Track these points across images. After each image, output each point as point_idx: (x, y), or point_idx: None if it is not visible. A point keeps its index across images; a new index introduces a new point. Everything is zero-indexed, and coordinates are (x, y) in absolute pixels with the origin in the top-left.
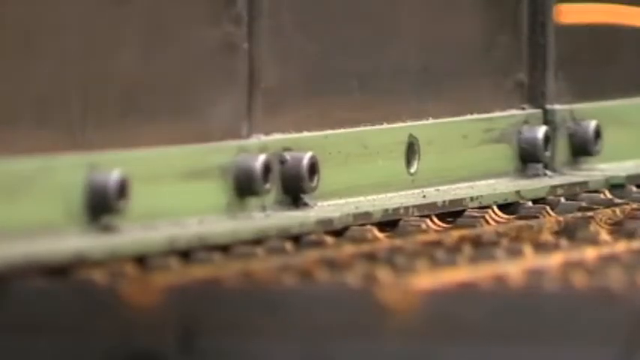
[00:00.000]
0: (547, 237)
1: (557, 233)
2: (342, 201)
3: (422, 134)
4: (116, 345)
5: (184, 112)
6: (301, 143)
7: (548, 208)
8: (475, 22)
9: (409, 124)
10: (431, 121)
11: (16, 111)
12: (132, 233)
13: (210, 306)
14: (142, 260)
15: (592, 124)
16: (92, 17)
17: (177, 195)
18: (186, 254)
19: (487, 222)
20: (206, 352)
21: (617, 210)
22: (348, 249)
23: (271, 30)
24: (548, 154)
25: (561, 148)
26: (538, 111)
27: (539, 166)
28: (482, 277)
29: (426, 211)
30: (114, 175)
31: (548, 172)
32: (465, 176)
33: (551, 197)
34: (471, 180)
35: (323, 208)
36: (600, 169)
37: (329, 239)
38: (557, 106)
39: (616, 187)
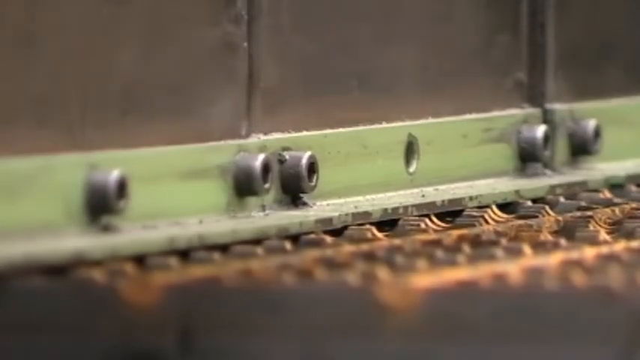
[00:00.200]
0: (546, 236)
1: (557, 233)
2: (341, 200)
3: (421, 134)
4: (116, 344)
5: (184, 112)
6: (300, 143)
7: (547, 207)
8: (474, 21)
9: (408, 123)
10: (430, 120)
11: (15, 111)
12: (131, 233)
13: (210, 305)
14: (141, 260)
15: (591, 124)
16: (92, 17)
17: (176, 195)
18: (185, 254)
19: (486, 221)
20: (206, 351)
21: (617, 209)
22: (348, 248)
23: (271, 30)
24: (547, 153)
25: (561, 148)
26: (537, 110)
27: (539, 165)
28: (482, 277)
29: (425, 210)
30: (113, 175)
31: (548, 172)
32: (464, 176)
33: (550, 197)
34: (471, 179)
35: (322, 207)
36: (600, 168)
37: (328, 239)
38: (556, 106)
39: (615, 186)
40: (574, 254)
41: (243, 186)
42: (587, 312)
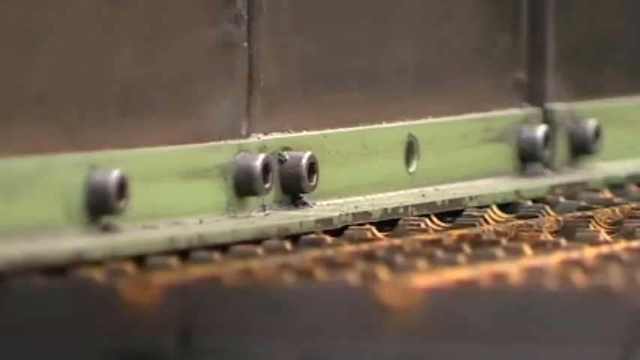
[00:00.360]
0: (547, 236)
1: (557, 233)
2: (341, 200)
3: (421, 133)
4: (116, 344)
5: (184, 112)
6: (300, 143)
7: (547, 207)
8: (474, 21)
9: (408, 123)
10: (430, 120)
11: (15, 111)
12: (132, 233)
13: (210, 305)
14: (141, 260)
15: (591, 123)
16: (92, 17)
17: (176, 194)
18: (185, 254)
19: (486, 221)
20: (205, 351)
21: (617, 209)
22: (348, 248)
23: (271, 29)
24: (547, 153)
25: (561, 148)
26: (537, 110)
27: (539, 165)
28: (482, 277)
29: (426, 210)
30: (113, 175)
31: (548, 172)
32: (464, 175)
33: (550, 196)
34: (471, 179)
35: (322, 207)
36: (600, 168)
37: (328, 239)
38: (556, 106)
39: (616, 186)
40: (574, 254)
41: (244, 186)
42: (587, 312)
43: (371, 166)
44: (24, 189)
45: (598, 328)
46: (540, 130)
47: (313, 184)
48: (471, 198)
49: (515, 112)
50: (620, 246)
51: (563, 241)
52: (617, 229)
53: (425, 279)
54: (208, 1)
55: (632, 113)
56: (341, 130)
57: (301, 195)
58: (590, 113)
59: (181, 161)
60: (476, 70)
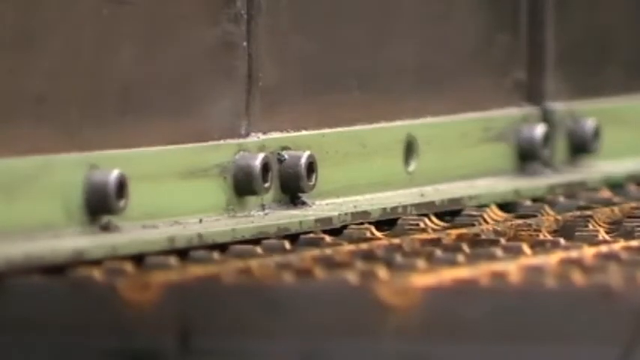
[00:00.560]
0: (546, 236)
1: (556, 232)
2: (340, 200)
3: (420, 133)
4: (115, 344)
5: (183, 111)
6: (299, 142)
7: (547, 206)
8: (474, 20)
9: (407, 122)
10: (429, 119)
11: (15, 110)
12: (131, 232)
13: (209, 305)
14: (141, 259)
15: (591, 123)
16: (91, 16)
17: (176, 194)
18: (185, 253)
19: (486, 221)
20: (205, 350)
21: (616, 209)
22: (347, 248)
23: (270, 29)
24: (546, 152)
25: (560, 147)
26: (537, 109)
27: (538, 164)
28: (481, 276)
29: (425, 210)
30: (113, 175)
31: (547, 171)
32: (463, 175)
33: (549, 196)
34: (470, 179)
35: (321, 206)
36: (599, 167)
37: (327, 238)
38: (556, 105)
39: (615, 185)
40: (573, 254)
41: (243, 185)
42: (587, 311)
43: (370, 166)
44: (24, 189)
45: (597, 327)
46: (539, 130)
47: (312, 183)
48: (470, 197)
49: (514, 111)
50: (620, 245)
51: (562, 241)
52: (617, 228)
53: (424, 278)
54: (208, 0)
55: (632, 112)
56: (340, 129)
57: (300, 194)
58: (590, 113)
59: (181, 161)
60: (475, 69)
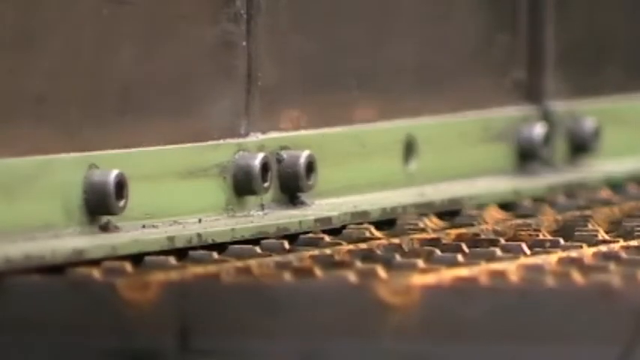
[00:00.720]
0: (545, 235)
1: (556, 232)
2: (339, 200)
3: (420, 133)
4: (114, 343)
5: (183, 111)
6: (299, 142)
7: (546, 206)
8: (473, 20)
9: (407, 122)
10: (429, 119)
11: (14, 110)
12: (131, 232)
13: (209, 304)
14: (140, 259)
15: (591, 122)
16: (91, 16)
17: (175, 194)
18: (184, 253)
19: (485, 220)
20: (204, 350)
21: (616, 208)
22: (346, 247)
23: (270, 28)
24: (546, 152)
25: (560, 146)
26: (537, 109)
27: (538, 164)
28: (481, 275)
29: (424, 209)
30: (113, 175)
31: (547, 171)
32: (463, 174)
33: (549, 195)
34: (469, 178)
35: (321, 206)
36: (599, 167)
37: (327, 238)
38: (555, 104)
39: (615, 185)
40: (573, 253)
41: (243, 185)
42: (586, 311)
43: (369, 166)
44: (23, 189)
45: (597, 327)
46: (539, 129)
47: (311, 183)
48: (469, 197)
49: (514, 111)
50: (619, 245)
51: (562, 241)
52: (616, 228)
53: (423, 278)
54: (207, 0)
55: (632, 112)
56: (340, 129)
57: (300, 194)
58: (590, 112)
59: (180, 160)
60: (475, 69)
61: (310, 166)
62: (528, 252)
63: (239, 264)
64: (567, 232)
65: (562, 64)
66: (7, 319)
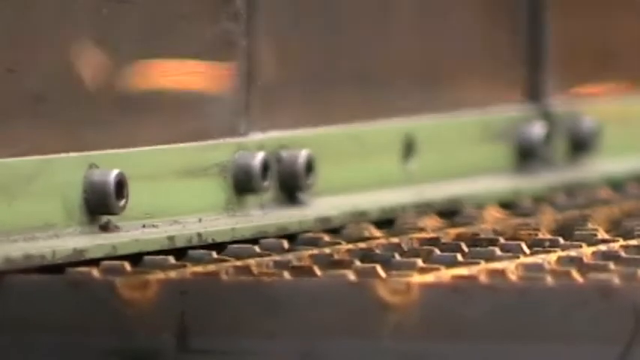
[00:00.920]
0: (545, 235)
1: (556, 231)
2: (339, 199)
3: (419, 132)
4: (114, 343)
5: (182, 110)
6: (298, 141)
7: (546, 205)
8: (473, 18)
9: (407, 121)
10: (428, 118)
11: (13, 110)
12: (131, 232)
13: (208, 304)
14: (140, 258)
15: (591, 121)
16: (90, 15)
17: (175, 193)
18: (184, 252)
19: (485, 220)
20: (204, 350)
21: (616, 208)
22: (346, 246)
23: (269, 27)
24: (546, 151)
25: (560, 145)
26: (537, 108)
27: (538, 163)
28: (480, 275)
29: (424, 208)
30: (112, 174)
31: (547, 170)
32: (462, 174)
33: (549, 195)
34: (469, 177)
35: (320, 205)
36: (599, 166)
37: (326, 237)
38: (556, 103)
39: (615, 184)
40: (573, 252)
41: (242, 184)
42: (586, 310)
43: (369, 165)
44: (23, 189)
45: (597, 326)
46: (539, 128)
47: (311, 182)
48: (469, 196)
49: (514, 110)
50: (619, 244)
51: (561, 240)
52: (616, 227)
53: (423, 277)
54: None
55: (632, 111)
56: (339, 128)
57: (299, 193)
58: (590, 111)
59: (180, 160)
60: (475, 67)
61: (310, 166)
62: (528, 251)
63: (238, 263)
64: (567, 231)
65: (562, 62)
66: (6, 319)
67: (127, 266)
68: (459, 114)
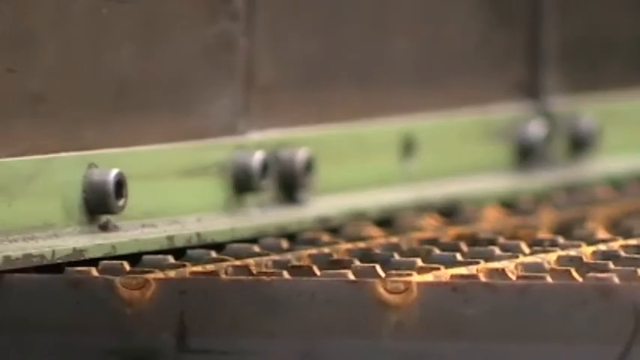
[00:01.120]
0: (545, 234)
1: (555, 230)
2: (338, 198)
3: (419, 131)
4: (113, 343)
5: (182, 110)
6: (297, 140)
7: (545, 204)
8: (473, 17)
9: (406, 120)
10: (428, 117)
11: (13, 110)
12: (130, 231)
13: (208, 303)
14: (139, 258)
15: (591, 120)
16: (89, 14)
17: (174, 193)
18: (184, 252)
19: (484, 219)
20: (203, 349)
21: (616, 206)
22: (345, 246)
23: (269, 27)
24: (546, 149)
25: (559, 144)
26: (537, 107)
27: (538, 162)
28: (480, 274)
29: (423, 208)
30: (112, 174)
31: (547, 168)
32: (462, 173)
33: (548, 194)
34: (468, 176)
35: (319, 205)
36: (599, 164)
37: (325, 236)
38: (556, 102)
39: (615, 183)
40: (572, 252)
41: (241, 184)
42: (585, 309)
43: (368, 164)
44: (23, 188)
45: (596, 326)
46: (539, 127)
47: (310, 181)
48: (468, 195)
49: (513, 108)
50: (619, 244)
51: (561, 239)
52: (616, 226)
53: (422, 276)
54: None
55: (632, 110)
56: (338, 127)
57: (298, 193)
58: (590, 110)
59: (179, 159)
60: (474, 66)
61: (309, 165)
62: (527, 251)
63: (237, 263)
64: (566, 230)
65: (562, 61)
66: (6, 319)
67: (127, 266)
68: (459, 113)
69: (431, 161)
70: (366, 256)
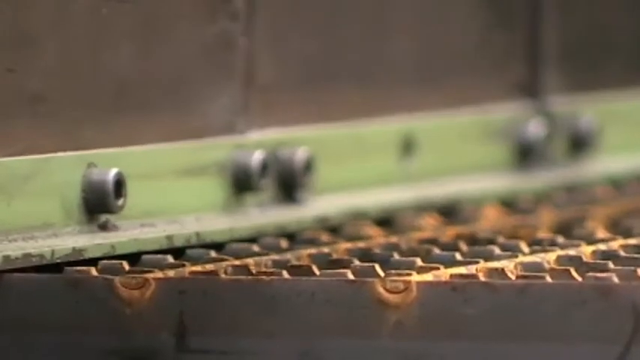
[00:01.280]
0: (544, 233)
1: (555, 230)
2: (337, 197)
3: (419, 130)
4: (112, 342)
5: (181, 109)
6: (297, 139)
7: (545, 204)
8: (472, 16)
9: (406, 120)
10: (428, 117)
11: (12, 110)
12: (129, 231)
13: (208, 303)
14: (138, 258)
15: (591, 120)
16: (89, 14)
17: (174, 192)
18: (183, 252)
19: (484, 218)
20: (202, 349)
21: (615, 206)
22: (344, 245)
23: (268, 26)
24: (546, 149)
25: (559, 144)
26: (536, 106)
27: (537, 161)
28: (479, 274)
29: (423, 207)
30: (111, 173)
31: (547, 168)
32: (461, 172)
33: (548, 193)
34: (468, 176)
35: (319, 204)
36: (599, 164)
37: (325, 236)
38: (555, 101)
39: (615, 182)
40: (572, 251)
41: (241, 183)
42: (585, 309)
43: (368, 164)
44: (22, 188)
45: (596, 325)
46: (538, 127)
47: (310, 181)
48: (468, 195)
49: (513, 108)
50: (619, 243)
51: (560, 239)
52: (616, 226)
53: (422, 276)
54: None
55: (632, 109)
56: (338, 127)
57: (298, 192)
58: (590, 109)
59: (178, 159)
60: (474, 66)
61: (308, 164)
62: (527, 250)
63: (237, 262)
64: (566, 230)
65: (562, 61)
66: (5, 318)
67: (126, 265)
68: (459, 112)
69: (430, 161)
70: (366, 255)
